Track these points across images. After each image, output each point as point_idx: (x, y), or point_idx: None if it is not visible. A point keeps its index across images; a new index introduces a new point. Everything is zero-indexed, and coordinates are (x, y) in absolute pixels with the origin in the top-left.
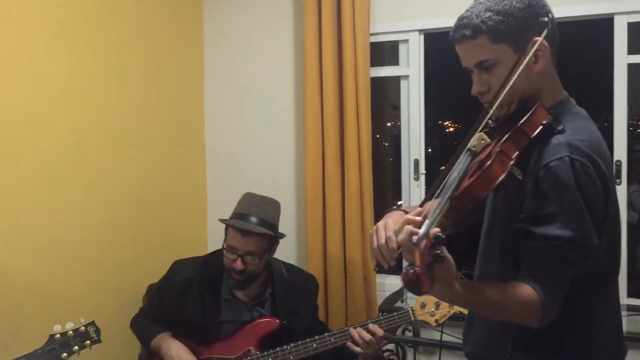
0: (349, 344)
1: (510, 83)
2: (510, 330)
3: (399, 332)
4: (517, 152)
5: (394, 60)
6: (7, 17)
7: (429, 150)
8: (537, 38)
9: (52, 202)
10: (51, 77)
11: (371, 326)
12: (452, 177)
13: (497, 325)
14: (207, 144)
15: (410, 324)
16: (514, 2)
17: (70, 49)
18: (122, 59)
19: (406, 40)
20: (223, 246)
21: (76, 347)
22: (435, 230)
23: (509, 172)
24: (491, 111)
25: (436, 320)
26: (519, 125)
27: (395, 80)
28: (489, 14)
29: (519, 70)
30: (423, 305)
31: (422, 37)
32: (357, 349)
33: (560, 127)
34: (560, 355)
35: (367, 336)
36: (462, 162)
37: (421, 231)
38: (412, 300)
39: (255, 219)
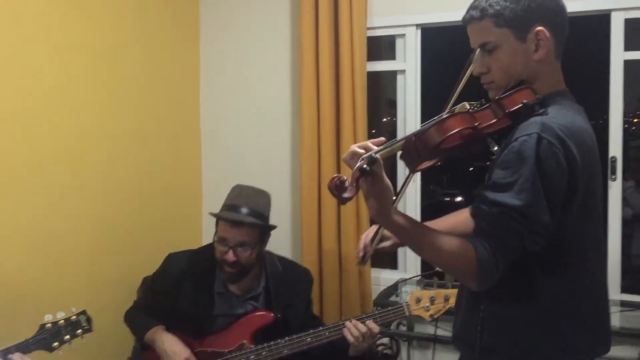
0: (345, 331)
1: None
2: (481, 308)
3: (393, 326)
4: (490, 122)
5: (391, 55)
6: (3, 14)
7: None
8: (540, 28)
9: (47, 195)
10: (46, 73)
11: (368, 322)
12: (423, 125)
13: (471, 306)
14: (203, 138)
15: (405, 318)
16: None
17: (65, 44)
18: (118, 55)
19: (403, 35)
20: (214, 239)
21: (67, 337)
22: (377, 155)
23: (465, 131)
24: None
25: (431, 315)
26: (498, 97)
27: (392, 75)
28: None
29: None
30: (418, 300)
31: (419, 31)
32: (350, 338)
33: (541, 110)
34: (524, 331)
35: (363, 328)
36: (438, 117)
37: (366, 154)
38: (407, 295)
39: (246, 210)
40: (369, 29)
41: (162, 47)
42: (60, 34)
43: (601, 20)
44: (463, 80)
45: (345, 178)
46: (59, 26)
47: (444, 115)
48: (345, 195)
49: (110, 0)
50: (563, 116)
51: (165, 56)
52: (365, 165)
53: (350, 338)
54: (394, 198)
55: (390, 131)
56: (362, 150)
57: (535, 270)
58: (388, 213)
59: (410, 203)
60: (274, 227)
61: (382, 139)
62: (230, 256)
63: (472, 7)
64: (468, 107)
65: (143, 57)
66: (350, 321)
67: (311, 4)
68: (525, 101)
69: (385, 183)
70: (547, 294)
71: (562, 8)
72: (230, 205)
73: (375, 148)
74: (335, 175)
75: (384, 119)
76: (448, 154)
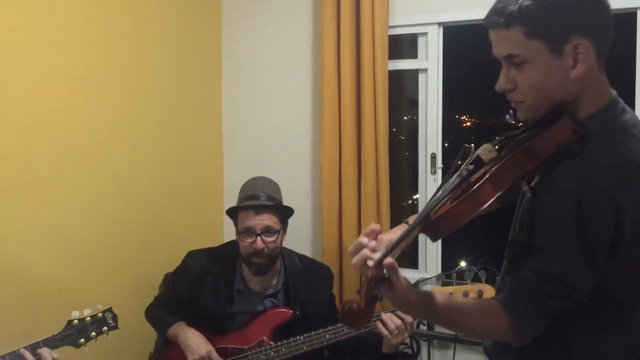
0: (380, 326)
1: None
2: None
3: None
4: (519, 174)
5: (413, 53)
6: (26, 10)
7: (446, 145)
8: (579, 40)
9: (71, 192)
10: (68, 72)
11: (401, 313)
12: (435, 197)
13: None
14: (224, 137)
15: None
16: None
17: (86, 46)
18: (140, 55)
19: (425, 33)
20: (238, 234)
21: (93, 333)
22: (388, 261)
23: (499, 196)
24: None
25: None
26: (528, 144)
27: (413, 74)
28: (528, 2)
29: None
30: None
31: (441, 30)
32: (386, 333)
33: (582, 149)
34: None
35: (397, 321)
36: (450, 182)
37: (375, 261)
38: None
39: (264, 196)
40: (390, 27)
41: (183, 47)
42: (82, 35)
43: (627, 18)
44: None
45: (355, 307)
46: (80, 23)
47: (470, 181)
48: (360, 325)
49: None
50: (608, 153)
51: (187, 56)
52: (376, 292)
53: (384, 331)
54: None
55: (411, 130)
56: (370, 254)
57: (574, 320)
58: (412, 308)
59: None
60: (292, 211)
61: (375, 227)
62: (260, 243)
63: (496, 11)
64: (492, 152)
65: (165, 56)
66: (379, 319)
67: (333, 3)
68: (561, 142)
69: (400, 289)
70: (589, 344)
71: (605, 12)
72: (248, 196)
73: (385, 251)
74: (345, 303)
75: (405, 118)
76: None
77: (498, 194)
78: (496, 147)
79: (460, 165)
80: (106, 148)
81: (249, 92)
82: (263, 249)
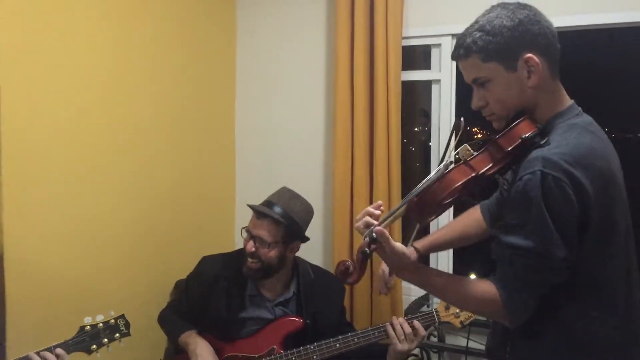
0: (389, 329)
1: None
2: (510, 331)
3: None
4: (489, 165)
5: (425, 65)
6: (47, 12)
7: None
8: (528, 55)
9: (86, 198)
10: (86, 77)
11: (415, 323)
12: (422, 182)
13: (501, 325)
14: (237, 144)
15: (436, 328)
16: (503, 21)
17: (104, 47)
18: (155, 60)
19: (439, 45)
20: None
21: (105, 340)
22: (378, 229)
23: (467, 183)
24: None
25: (461, 322)
26: (495, 138)
27: (426, 85)
28: (479, 34)
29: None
30: (447, 307)
31: (454, 41)
32: (392, 334)
33: (543, 141)
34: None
35: (408, 329)
36: (437, 170)
37: (369, 228)
38: (437, 304)
39: (279, 209)
40: (404, 38)
41: (198, 55)
42: (100, 36)
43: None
44: (451, 143)
45: (349, 264)
46: (99, 28)
47: (442, 168)
48: (350, 280)
49: (150, 4)
50: (567, 142)
51: (202, 65)
52: (366, 249)
53: (392, 333)
54: (408, 243)
55: (423, 140)
56: (375, 217)
57: (560, 300)
58: (405, 272)
59: None
60: (305, 239)
61: (380, 202)
62: (250, 246)
63: (458, 45)
64: (470, 150)
65: (180, 63)
66: (385, 327)
67: (347, 14)
68: (523, 136)
69: (394, 251)
70: (570, 322)
71: (546, 29)
72: (265, 201)
73: (376, 217)
74: (340, 261)
75: (416, 129)
76: (454, 202)
77: (468, 178)
78: (472, 147)
79: (450, 142)
80: (121, 157)
81: (262, 101)
82: (253, 252)
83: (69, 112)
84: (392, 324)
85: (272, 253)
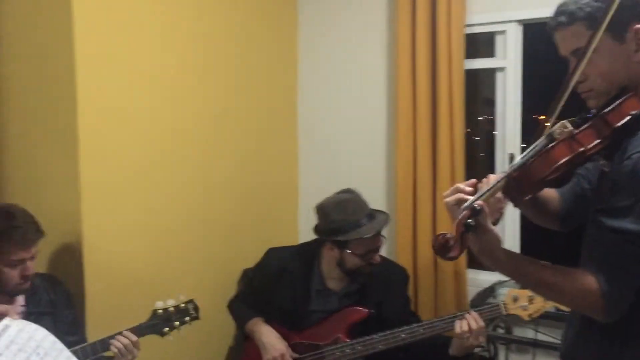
0: (458, 323)
1: (582, 65)
2: (599, 330)
3: (489, 328)
4: (596, 141)
5: (488, 52)
6: (120, 17)
7: (524, 145)
8: (638, 25)
9: (158, 189)
10: (151, 73)
11: (474, 315)
12: (520, 156)
13: (587, 324)
14: (300, 136)
15: (502, 320)
16: None
17: (172, 38)
18: (217, 55)
19: (503, 32)
20: (353, 256)
21: (177, 323)
22: (479, 202)
23: (573, 159)
24: (566, 93)
25: (529, 315)
26: (602, 113)
27: (489, 73)
28: (586, 0)
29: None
30: (515, 299)
31: (520, 28)
32: (458, 330)
33: None
34: None
35: (474, 324)
36: (537, 144)
37: (467, 202)
38: (504, 296)
39: (366, 216)
40: (467, 25)
41: (260, 50)
42: (165, 30)
43: None
44: (567, 92)
45: (449, 236)
46: (163, 23)
47: (543, 142)
48: (451, 254)
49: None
50: None
51: (264, 58)
52: (469, 220)
53: (457, 329)
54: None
55: (486, 131)
56: (465, 195)
57: None
58: (497, 259)
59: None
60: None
61: (474, 180)
62: (377, 258)
63: (559, 13)
64: (569, 126)
65: (241, 56)
66: (454, 320)
67: (409, 1)
68: (633, 112)
69: (490, 233)
70: None
71: None
72: (369, 216)
73: (477, 194)
74: (439, 233)
75: (479, 118)
76: (553, 182)
77: (575, 153)
78: (571, 124)
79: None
80: (186, 151)
81: (324, 92)
82: (379, 262)
83: (141, 109)
84: (463, 319)
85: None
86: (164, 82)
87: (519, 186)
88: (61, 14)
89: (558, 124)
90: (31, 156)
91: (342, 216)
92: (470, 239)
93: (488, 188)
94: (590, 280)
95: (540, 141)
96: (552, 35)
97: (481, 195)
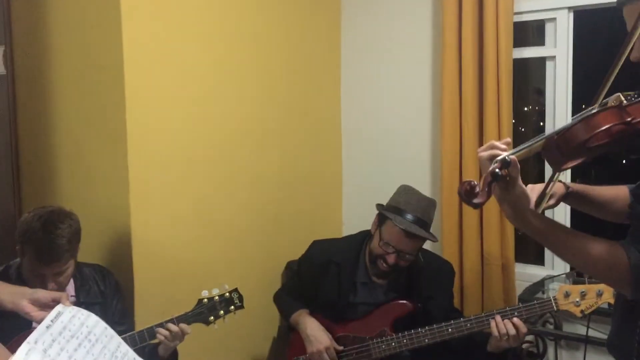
0: (492, 322)
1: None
2: (637, 322)
3: (539, 324)
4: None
5: (538, 40)
6: (159, 8)
7: None
8: None
9: (204, 182)
10: (205, 73)
11: (518, 323)
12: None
13: (629, 313)
14: (343, 131)
15: (552, 315)
16: None
17: (218, 43)
18: (264, 51)
19: (553, 19)
20: (380, 237)
21: (222, 312)
22: (511, 156)
23: (617, 128)
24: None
25: (581, 311)
26: None
27: (538, 62)
28: None
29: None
30: (567, 295)
31: (571, 14)
32: (495, 332)
33: None
34: None
35: (512, 330)
36: (585, 112)
37: (501, 156)
38: (554, 292)
39: (421, 223)
40: (516, 13)
41: (304, 46)
42: (213, 34)
43: None
44: (618, 65)
45: (475, 183)
46: (211, 26)
47: (592, 110)
48: (476, 200)
49: (256, 2)
50: None
51: (308, 55)
52: (497, 170)
53: (495, 332)
54: (540, 200)
55: (535, 121)
56: (500, 151)
57: None
58: (524, 219)
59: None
60: (434, 240)
61: (508, 139)
62: (392, 259)
63: None
64: (623, 99)
65: (288, 51)
66: (494, 317)
67: None
68: None
69: (519, 189)
70: None
71: None
72: (414, 218)
73: (511, 150)
74: (465, 180)
75: (525, 108)
76: (597, 151)
77: (620, 121)
78: (625, 98)
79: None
80: (234, 147)
81: (368, 85)
82: (395, 263)
83: (188, 103)
84: (496, 322)
85: (411, 259)
86: (211, 77)
87: (558, 148)
88: (109, 14)
89: (613, 96)
90: (81, 153)
91: (402, 199)
92: (498, 192)
93: (525, 145)
94: (619, 253)
95: (591, 109)
96: (621, 11)
97: (516, 152)
